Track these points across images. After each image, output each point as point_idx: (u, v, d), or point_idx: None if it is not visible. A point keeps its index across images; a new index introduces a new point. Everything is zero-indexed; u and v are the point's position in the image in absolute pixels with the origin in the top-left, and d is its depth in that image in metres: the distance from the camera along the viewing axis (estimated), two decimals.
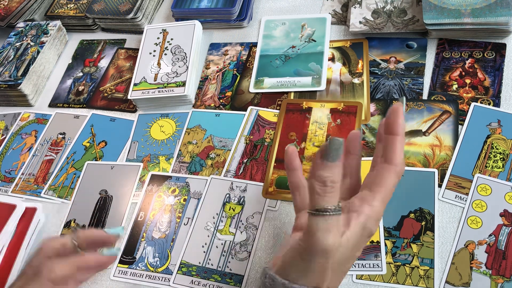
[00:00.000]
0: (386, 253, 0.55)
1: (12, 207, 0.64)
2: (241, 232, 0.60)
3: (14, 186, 0.73)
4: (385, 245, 0.55)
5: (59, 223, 0.67)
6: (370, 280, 0.53)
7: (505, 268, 0.51)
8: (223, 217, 0.61)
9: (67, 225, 0.66)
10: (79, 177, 0.71)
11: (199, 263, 0.58)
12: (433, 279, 0.52)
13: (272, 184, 0.63)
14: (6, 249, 0.63)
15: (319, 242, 0.37)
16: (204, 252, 0.59)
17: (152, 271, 0.59)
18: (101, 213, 0.65)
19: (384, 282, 0.53)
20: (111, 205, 0.66)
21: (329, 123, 0.66)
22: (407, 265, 0.53)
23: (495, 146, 0.59)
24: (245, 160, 0.66)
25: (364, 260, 0.55)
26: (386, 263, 0.54)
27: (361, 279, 0.54)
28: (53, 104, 0.82)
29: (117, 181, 0.69)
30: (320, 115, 0.67)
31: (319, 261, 0.38)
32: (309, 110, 0.68)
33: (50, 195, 0.70)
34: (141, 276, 0.59)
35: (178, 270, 0.58)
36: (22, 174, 0.74)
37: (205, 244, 0.60)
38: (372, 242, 0.56)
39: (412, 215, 0.56)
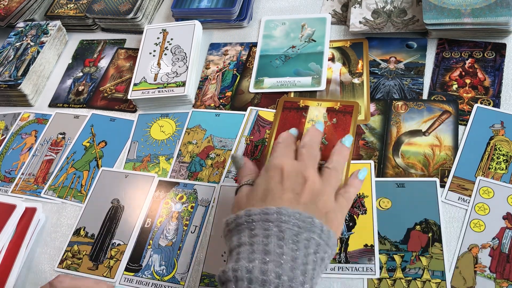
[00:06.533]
0: (396, 268, 0.53)
1: (12, 207, 0.64)
2: None
3: (14, 186, 0.73)
4: (392, 257, 0.54)
5: (59, 224, 0.67)
6: None
7: (509, 272, 0.50)
8: None
9: (77, 232, 0.65)
10: (79, 177, 0.71)
11: None
12: None
13: None
14: (6, 249, 0.63)
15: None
16: (225, 261, 0.57)
17: (158, 280, 0.58)
18: (111, 223, 0.64)
19: None
20: (122, 215, 0.65)
21: (325, 122, 0.65)
22: (418, 279, 0.52)
23: (498, 148, 0.59)
24: None
25: (357, 263, 0.54)
26: (397, 278, 0.52)
27: None
28: (53, 104, 0.82)
29: (130, 191, 0.67)
30: (316, 114, 0.67)
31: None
32: (305, 108, 0.68)
33: (50, 195, 0.70)
34: (147, 285, 0.58)
35: (200, 283, 0.56)
36: (22, 174, 0.74)
37: (225, 252, 0.58)
38: (365, 245, 0.55)
39: (418, 227, 0.55)
